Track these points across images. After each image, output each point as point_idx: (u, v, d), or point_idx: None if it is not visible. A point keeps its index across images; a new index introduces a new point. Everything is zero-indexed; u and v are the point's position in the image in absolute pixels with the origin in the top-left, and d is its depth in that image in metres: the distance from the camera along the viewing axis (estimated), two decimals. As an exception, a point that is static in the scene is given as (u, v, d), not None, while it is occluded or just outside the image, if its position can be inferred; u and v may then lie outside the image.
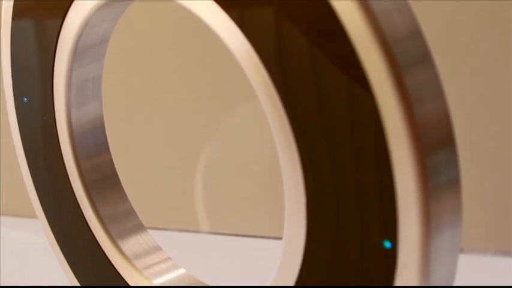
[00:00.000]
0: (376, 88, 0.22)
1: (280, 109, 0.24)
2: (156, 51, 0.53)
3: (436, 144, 0.22)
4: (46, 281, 0.44)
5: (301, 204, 0.24)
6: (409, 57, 0.22)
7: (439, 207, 0.22)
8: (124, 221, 0.33)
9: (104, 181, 0.33)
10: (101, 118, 0.33)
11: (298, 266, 0.25)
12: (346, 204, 0.23)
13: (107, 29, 0.31)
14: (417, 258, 0.22)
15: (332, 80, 0.23)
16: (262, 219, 0.52)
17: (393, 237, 0.22)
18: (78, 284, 0.34)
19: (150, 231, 0.33)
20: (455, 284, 0.23)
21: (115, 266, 0.32)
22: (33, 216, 0.35)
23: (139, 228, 0.33)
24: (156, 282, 0.31)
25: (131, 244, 0.32)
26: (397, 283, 0.23)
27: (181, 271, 0.32)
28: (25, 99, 0.33)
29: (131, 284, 0.32)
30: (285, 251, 0.25)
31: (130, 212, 0.33)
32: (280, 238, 0.26)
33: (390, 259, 0.23)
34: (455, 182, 0.22)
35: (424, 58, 0.22)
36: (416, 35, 0.22)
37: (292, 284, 0.26)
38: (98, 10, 0.29)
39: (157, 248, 0.33)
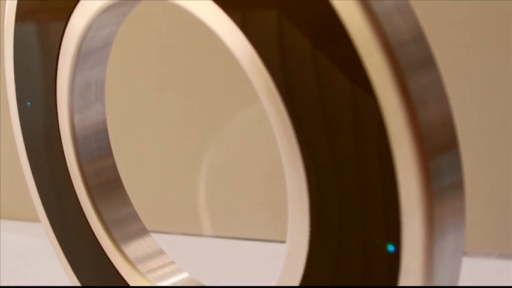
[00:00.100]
0: (379, 91, 0.22)
1: (282, 112, 0.24)
2: (159, 55, 0.53)
3: (439, 147, 0.22)
4: (48, 284, 0.44)
5: (305, 207, 0.24)
6: (412, 60, 0.22)
7: (442, 211, 0.22)
8: (127, 225, 0.33)
9: (107, 185, 0.33)
10: (104, 122, 0.33)
11: (302, 269, 0.25)
12: (350, 207, 0.23)
13: (110, 33, 0.31)
14: (421, 261, 0.22)
15: (334, 82, 0.23)
16: (265, 223, 0.52)
17: (397, 240, 0.22)
18: None
19: (153, 235, 0.33)
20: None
21: (118, 269, 0.32)
22: (34, 219, 0.35)
23: (142, 232, 0.33)
24: (159, 286, 0.31)
25: (134, 248, 0.32)
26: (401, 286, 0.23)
27: (184, 275, 0.32)
28: (28, 103, 0.33)
29: (134, 288, 0.32)
30: (288, 254, 0.25)
31: (134, 216, 0.33)
32: (283, 242, 0.26)
33: (394, 262, 0.23)
34: (458, 185, 0.22)
35: (427, 61, 0.22)
36: (419, 38, 0.22)
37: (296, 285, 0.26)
38: (102, 13, 0.29)
39: (161, 252, 0.33)
